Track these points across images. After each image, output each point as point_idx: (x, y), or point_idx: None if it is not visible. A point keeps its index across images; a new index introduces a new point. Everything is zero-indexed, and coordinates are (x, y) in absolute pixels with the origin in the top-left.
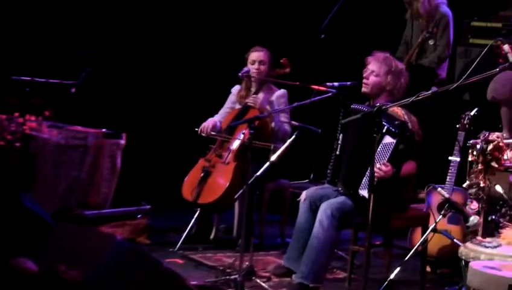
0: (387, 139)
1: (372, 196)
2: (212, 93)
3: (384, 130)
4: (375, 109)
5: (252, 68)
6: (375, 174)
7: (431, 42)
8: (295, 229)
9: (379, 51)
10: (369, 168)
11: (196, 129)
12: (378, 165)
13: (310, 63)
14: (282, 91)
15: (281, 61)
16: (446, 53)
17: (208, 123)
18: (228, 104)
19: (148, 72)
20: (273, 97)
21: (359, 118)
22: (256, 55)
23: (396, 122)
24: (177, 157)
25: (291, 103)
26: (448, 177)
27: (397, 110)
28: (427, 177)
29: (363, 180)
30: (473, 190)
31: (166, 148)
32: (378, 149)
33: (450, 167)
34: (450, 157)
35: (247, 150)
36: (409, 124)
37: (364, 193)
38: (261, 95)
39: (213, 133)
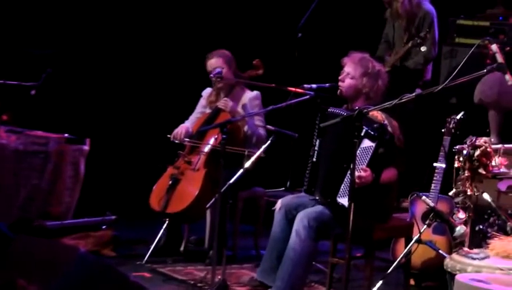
0: (366, 143)
1: (352, 205)
2: (182, 97)
3: (362, 134)
4: (356, 112)
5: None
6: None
7: (423, 49)
8: (270, 239)
9: (356, 52)
10: (347, 175)
11: (168, 136)
12: (356, 172)
13: (287, 64)
14: (254, 93)
15: (254, 62)
16: (432, 53)
17: (181, 129)
18: (199, 108)
19: (113, 73)
20: (246, 100)
21: (338, 122)
22: (211, 64)
23: (375, 125)
24: (144, 165)
25: (266, 106)
26: (433, 184)
27: (377, 114)
28: (410, 185)
29: (341, 187)
30: (459, 198)
31: (133, 155)
32: (357, 153)
33: (435, 174)
34: (435, 164)
35: (220, 156)
36: (389, 128)
37: (342, 200)
38: (231, 99)
39: (186, 139)
